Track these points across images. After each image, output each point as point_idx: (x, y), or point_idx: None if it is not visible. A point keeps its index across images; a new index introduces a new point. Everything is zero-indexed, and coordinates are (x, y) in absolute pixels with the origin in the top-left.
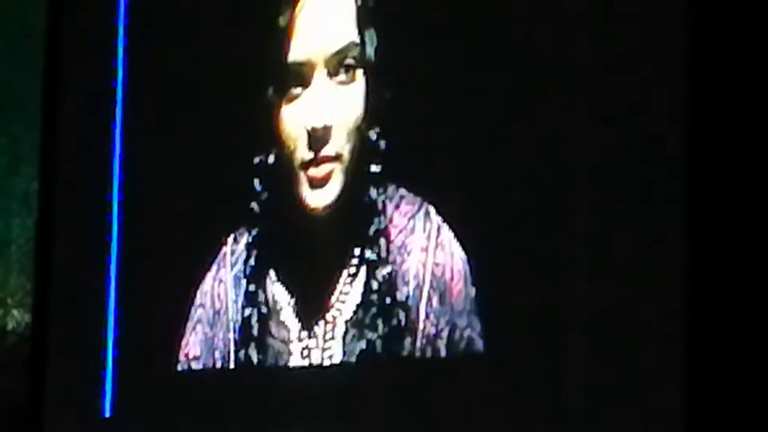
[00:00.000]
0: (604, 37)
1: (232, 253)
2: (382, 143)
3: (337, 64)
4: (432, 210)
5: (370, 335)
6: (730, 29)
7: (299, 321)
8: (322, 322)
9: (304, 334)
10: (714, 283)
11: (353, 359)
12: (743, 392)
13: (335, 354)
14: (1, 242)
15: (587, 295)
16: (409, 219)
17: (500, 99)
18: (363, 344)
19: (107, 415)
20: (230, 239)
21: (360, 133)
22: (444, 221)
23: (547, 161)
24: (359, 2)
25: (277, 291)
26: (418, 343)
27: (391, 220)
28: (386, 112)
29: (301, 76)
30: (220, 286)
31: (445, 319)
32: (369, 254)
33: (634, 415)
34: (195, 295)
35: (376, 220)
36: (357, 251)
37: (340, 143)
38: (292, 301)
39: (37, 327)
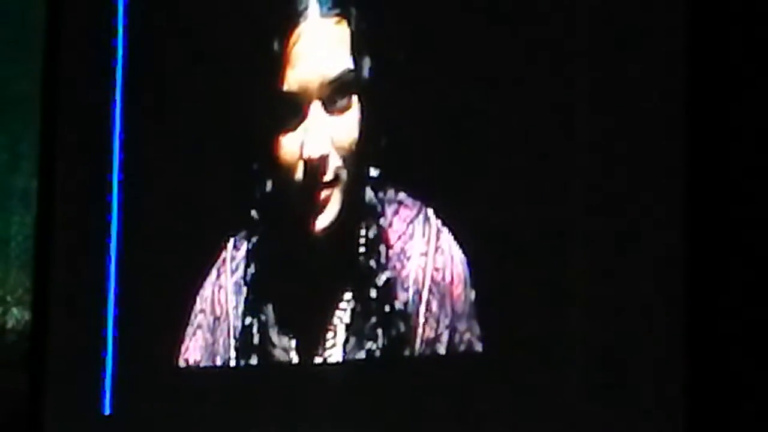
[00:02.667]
0: (604, 37)
1: (233, 259)
2: (382, 147)
3: (333, 93)
4: (432, 214)
5: (370, 343)
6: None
7: (300, 329)
8: (322, 331)
9: (305, 342)
10: (715, 282)
11: (352, 362)
12: (744, 393)
13: (335, 360)
14: (0, 240)
15: (587, 298)
16: (409, 224)
17: (499, 103)
18: (363, 353)
19: (107, 412)
20: (230, 244)
21: (357, 154)
22: (443, 225)
23: (546, 164)
24: (353, 28)
25: (277, 299)
26: (418, 347)
27: (390, 225)
28: (385, 128)
29: (296, 106)
30: (221, 293)
31: (445, 323)
32: (368, 261)
33: (633, 416)
34: (195, 300)
35: (375, 225)
36: (357, 258)
37: (337, 168)
38: (293, 308)
39: (36, 325)
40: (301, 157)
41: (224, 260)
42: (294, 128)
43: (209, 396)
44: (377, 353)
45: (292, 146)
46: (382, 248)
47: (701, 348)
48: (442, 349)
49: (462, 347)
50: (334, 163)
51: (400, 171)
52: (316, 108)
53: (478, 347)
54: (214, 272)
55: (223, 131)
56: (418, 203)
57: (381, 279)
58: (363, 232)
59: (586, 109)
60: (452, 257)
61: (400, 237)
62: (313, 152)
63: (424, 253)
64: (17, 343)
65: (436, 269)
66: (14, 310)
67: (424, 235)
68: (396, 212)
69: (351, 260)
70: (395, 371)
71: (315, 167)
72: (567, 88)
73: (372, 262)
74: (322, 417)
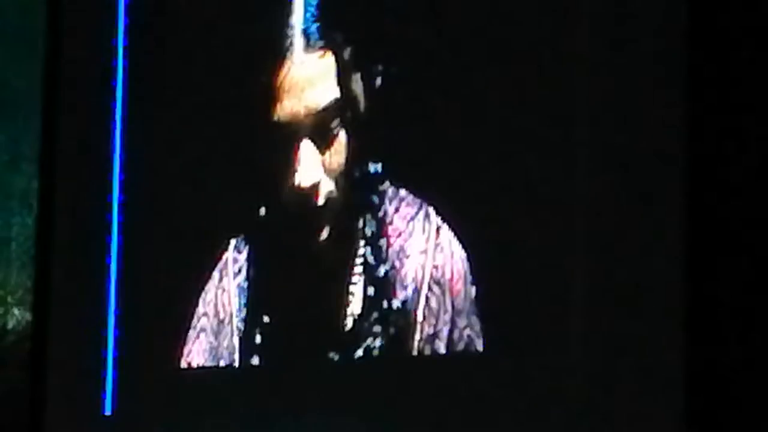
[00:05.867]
0: (604, 37)
1: (235, 261)
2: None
3: (321, 123)
4: (432, 211)
5: (370, 341)
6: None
7: (301, 330)
8: (324, 330)
9: (306, 342)
10: (714, 281)
11: (353, 360)
12: (745, 393)
13: (337, 359)
14: (1, 240)
15: (586, 294)
16: (409, 222)
17: (500, 100)
18: (363, 352)
19: (107, 413)
20: (231, 246)
21: (349, 172)
22: (444, 221)
23: (546, 162)
24: (339, 57)
25: (279, 301)
26: (417, 344)
27: (390, 223)
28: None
29: (286, 137)
30: (224, 295)
31: (444, 320)
32: (368, 260)
33: (634, 414)
34: (197, 302)
35: (375, 223)
36: (356, 258)
37: (330, 189)
38: (295, 309)
39: (37, 325)
40: (291, 186)
41: (226, 262)
42: (284, 160)
43: (210, 397)
44: (376, 351)
45: (283, 177)
46: (383, 247)
47: (702, 348)
48: (441, 346)
49: (461, 344)
50: (326, 186)
51: (401, 168)
52: (305, 140)
53: (478, 343)
54: (216, 275)
55: (224, 131)
56: (419, 201)
57: (381, 277)
58: (363, 231)
59: (587, 106)
60: (452, 254)
61: (400, 234)
62: (305, 182)
63: (424, 250)
64: (18, 344)
65: (436, 266)
66: (15, 311)
67: (424, 232)
68: (396, 210)
69: (352, 259)
70: (395, 369)
71: (308, 195)
72: (567, 87)
73: (372, 261)
74: (324, 416)
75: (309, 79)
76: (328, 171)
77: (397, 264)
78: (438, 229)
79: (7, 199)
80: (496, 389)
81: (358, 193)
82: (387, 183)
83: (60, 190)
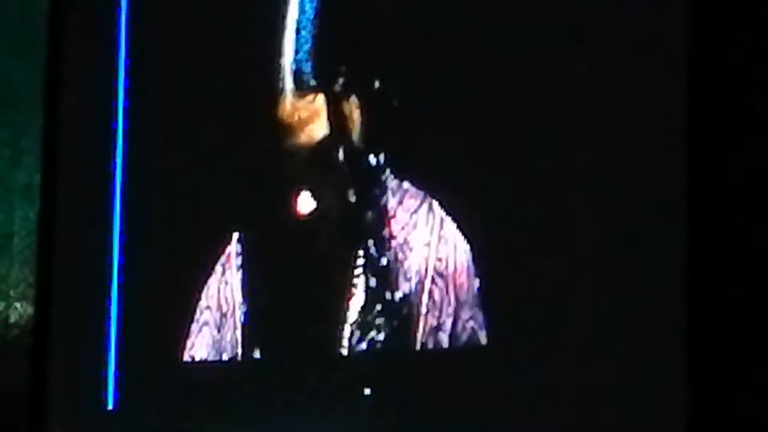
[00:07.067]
0: (605, 36)
1: (238, 254)
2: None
3: (316, 159)
4: (436, 204)
5: (373, 333)
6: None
7: (304, 323)
8: (326, 324)
9: (310, 336)
10: (718, 277)
11: (356, 353)
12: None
13: (340, 353)
14: (3, 235)
15: (590, 287)
16: (412, 214)
17: (503, 91)
18: (365, 344)
19: (110, 407)
20: (234, 239)
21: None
22: (447, 214)
23: (550, 155)
24: (329, 96)
25: (281, 293)
26: (420, 336)
27: (394, 216)
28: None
29: (284, 171)
30: (227, 289)
31: (448, 312)
32: (371, 253)
33: (635, 408)
34: (200, 295)
35: (378, 216)
36: (359, 251)
37: (329, 208)
38: (298, 302)
39: (39, 320)
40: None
41: (229, 256)
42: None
43: (213, 391)
44: (379, 344)
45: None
46: (386, 239)
47: (705, 343)
48: (444, 338)
49: (465, 336)
50: (324, 209)
51: (404, 161)
52: (302, 174)
53: (481, 336)
54: (219, 268)
55: (227, 124)
56: (422, 193)
57: (384, 269)
58: (367, 223)
59: (588, 101)
60: (456, 246)
61: (403, 228)
62: (303, 210)
63: (427, 243)
64: (20, 338)
65: (439, 259)
66: (17, 305)
67: (427, 224)
68: (400, 202)
69: (354, 252)
70: (399, 361)
71: (307, 220)
72: (569, 82)
73: (375, 253)
74: (328, 409)
75: (299, 121)
76: (326, 199)
77: (401, 256)
78: (441, 221)
79: (9, 193)
80: (499, 381)
81: (360, 186)
82: (390, 176)
83: (62, 184)
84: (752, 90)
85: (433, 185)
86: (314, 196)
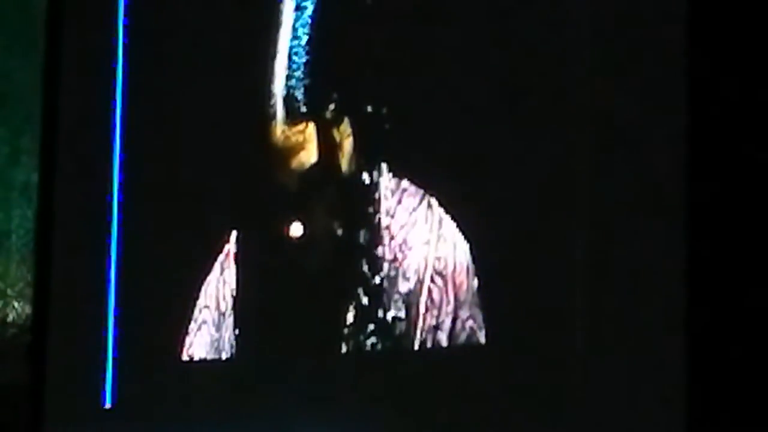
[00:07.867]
0: (605, 35)
1: (236, 253)
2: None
3: (305, 187)
4: (434, 202)
5: (372, 333)
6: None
7: (302, 322)
8: (325, 323)
9: (308, 335)
10: (716, 278)
11: (354, 352)
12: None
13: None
14: (1, 233)
15: (589, 287)
16: (411, 213)
17: (501, 90)
18: (364, 344)
19: (108, 405)
20: (233, 238)
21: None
22: (446, 213)
23: (549, 153)
24: (319, 125)
25: (279, 293)
26: (419, 335)
27: (393, 215)
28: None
29: (275, 196)
30: (225, 288)
31: (446, 311)
32: (370, 251)
33: (634, 407)
34: (198, 294)
35: (377, 215)
36: (359, 250)
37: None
38: (296, 303)
39: (37, 318)
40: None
41: (227, 255)
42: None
43: (211, 390)
44: (378, 344)
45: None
46: (385, 238)
47: (705, 342)
48: (443, 338)
49: (464, 335)
50: (314, 232)
51: (402, 159)
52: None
53: (480, 335)
54: (217, 267)
55: (224, 125)
56: (421, 191)
57: (383, 268)
58: (365, 222)
59: (590, 98)
60: (455, 245)
61: (402, 227)
62: (294, 233)
63: (427, 241)
64: (18, 337)
65: (438, 258)
66: (15, 304)
67: (426, 222)
68: (399, 201)
69: (353, 252)
70: (397, 360)
71: (297, 242)
72: (569, 80)
73: (374, 252)
74: (325, 409)
75: (290, 150)
76: (316, 224)
77: (400, 255)
78: (440, 220)
79: (8, 192)
80: (497, 381)
81: (359, 185)
82: (389, 174)
83: (60, 182)
84: (753, 90)
85: (430, 183)
86: (305, 226)
